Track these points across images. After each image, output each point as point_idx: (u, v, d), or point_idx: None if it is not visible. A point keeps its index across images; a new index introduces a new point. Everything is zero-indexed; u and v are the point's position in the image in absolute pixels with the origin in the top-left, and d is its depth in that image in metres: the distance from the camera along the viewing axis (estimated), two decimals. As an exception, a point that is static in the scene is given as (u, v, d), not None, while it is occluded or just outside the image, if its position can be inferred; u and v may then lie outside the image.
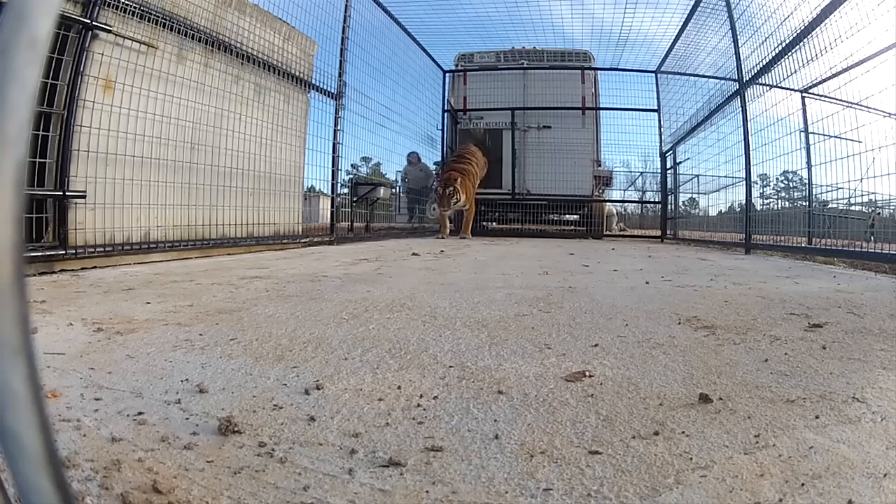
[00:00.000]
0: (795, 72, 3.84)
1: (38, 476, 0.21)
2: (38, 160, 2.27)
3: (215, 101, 3.23)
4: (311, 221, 5.33)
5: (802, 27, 3.54)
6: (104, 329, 1.18)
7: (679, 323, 1.35)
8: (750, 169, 4.62)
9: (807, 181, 4.49)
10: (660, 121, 7.53)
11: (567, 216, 8.05)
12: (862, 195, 3.88)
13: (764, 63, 4.20)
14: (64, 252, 2.29)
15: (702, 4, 5.56)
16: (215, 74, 3.17)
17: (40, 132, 2.30)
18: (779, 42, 3.93)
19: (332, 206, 4.96)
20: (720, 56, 5.36)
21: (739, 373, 0.92)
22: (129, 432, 0.64)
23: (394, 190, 7.70)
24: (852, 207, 4.28)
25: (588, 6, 6.58)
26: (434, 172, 8.33)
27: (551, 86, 7.40)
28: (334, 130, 4.70)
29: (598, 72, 7.73)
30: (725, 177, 5.88)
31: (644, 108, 7.68)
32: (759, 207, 4.92)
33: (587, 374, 0.90)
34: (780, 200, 5.99)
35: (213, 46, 3.19)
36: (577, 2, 6.56)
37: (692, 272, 2.72)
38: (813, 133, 4.22)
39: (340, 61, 4.76)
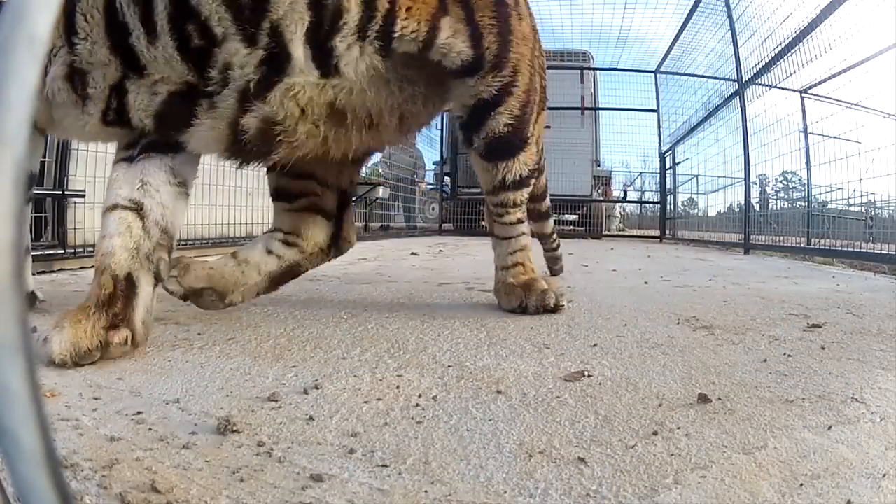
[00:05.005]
0: (795, 72, 3.86)
1: (36, 475, 0.21)
2: (36, 159, 2.27)
3: (214, 100, 3.22)
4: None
5: (801, 28, 3.54)
6: (103, 328, 1.17)
7: (678, 323, 1.35)
8: (749, 169, 4.63)
9: (806, 181, 4.50)
10: (659, 121, 7.54)
11: (566, 216, 8.06)
12: (861, 195, 3.89)
13: (763, 64, 4.21)
14: (63, 251, 2.29)
15: (701, 5, 5.57)
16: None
17: (39, 131, 2.29)
18: (778, 43, 3.94)
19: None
20: (719, 56, 5.37)
21: (738, 373, 0.92)
22: (127, 431, 0.64)
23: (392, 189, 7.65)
24: (851, 208, 4.29)
25: (587, 7, 6.59)
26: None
27: (550, 86, 7.36)
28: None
29: (597, 72, 7.73)
30: (724, 177, 5.89)
31: (643, 108, 7.69)
32: (757, 208, 4.92)
33: (586, 373, 0.90)
34: (779, 201, 6.00)
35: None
36: (576, 3, 6.57)
37: (691, 272, 2.73)
38: (812, 133, 4.23)
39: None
